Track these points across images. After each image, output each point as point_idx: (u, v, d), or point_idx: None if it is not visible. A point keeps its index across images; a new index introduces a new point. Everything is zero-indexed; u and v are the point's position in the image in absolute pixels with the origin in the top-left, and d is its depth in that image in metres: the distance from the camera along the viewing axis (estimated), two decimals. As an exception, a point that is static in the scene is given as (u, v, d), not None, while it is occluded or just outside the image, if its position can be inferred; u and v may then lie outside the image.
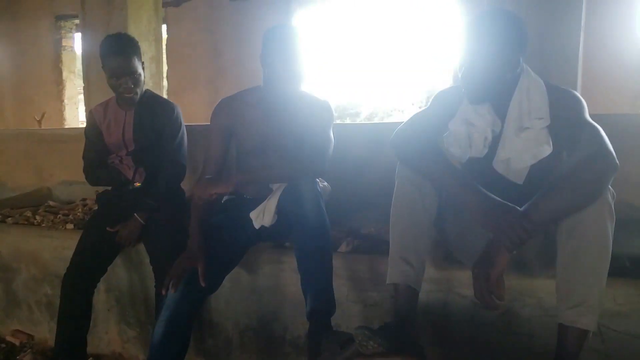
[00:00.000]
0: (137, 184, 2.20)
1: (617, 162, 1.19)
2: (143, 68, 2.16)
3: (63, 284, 2.03)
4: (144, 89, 2.21)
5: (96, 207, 2.39)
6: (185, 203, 2.30)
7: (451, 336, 1.72)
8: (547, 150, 1.38)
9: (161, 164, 2.19)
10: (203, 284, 1.66)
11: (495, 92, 1.40)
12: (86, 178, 2.26)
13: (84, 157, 2.26)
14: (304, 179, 1.62)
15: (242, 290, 2.04)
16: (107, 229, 2.10)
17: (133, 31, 3.00)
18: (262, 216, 1.75)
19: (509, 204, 1.22)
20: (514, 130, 1.41)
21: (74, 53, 5.46)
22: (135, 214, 2.10)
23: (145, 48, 3.09)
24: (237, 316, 2.08)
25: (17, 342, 2.53)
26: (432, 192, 1.38)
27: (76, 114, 5.43)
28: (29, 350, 2.45)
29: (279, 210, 1.70)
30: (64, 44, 5.25)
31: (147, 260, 2.21)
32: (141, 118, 2.20)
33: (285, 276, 1.97)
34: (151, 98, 2.25)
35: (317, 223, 1.57)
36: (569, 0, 1.91)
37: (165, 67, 3.51)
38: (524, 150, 1.40)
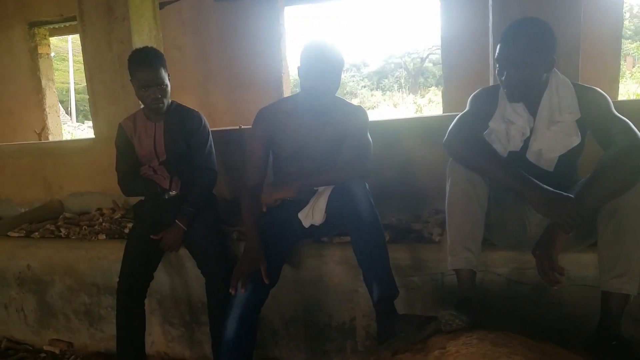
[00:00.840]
0: (173, 193, 2.30)
1: None
2: (169, 79, 2.25)
3: (118, 293, 2.13)
4: (170, 100, 2.30)
5: (131, 217, 2.48)
6: (217, 206, 2.42)
7: (488, 311, 1.92)
8: (575, 140, 1.59)
9: (194, 172, 2.30)
10: (267, 281, 1.80)
11: (532, 91, 1.60)
12: (122, 189, 2.34)
13: (118, 170, 2.34)
14: (354, 180, 1.78)
15: (287, 284, 2.19)
16: (151, 237, 2.19)
17: (137, 41, 3.04)
18: (312, 216, 1.91)
19: (563, 192, 1.42)
20: (545, 124, 1.61)
21: (50, 60, 5.36)
22: (176, 221, 2.21)
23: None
24: (282, 309, 2.23)
25: (56, 351, 2.60)
26: (483, 186, 1.57)
27: (58, 123, 5.35)
28: (72, 357, 2.53)
29: (328, 209, 1.85)
30: (40, 51, 5.15)
31: (188, 263, 2.34)
32: (171, 128, 2.29)
33: (326, 268, 2.13)
34: (178, 108, 2.35)
35: (371, 219, 1.74)
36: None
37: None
38: (555, 141, 1.61)
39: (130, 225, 2.66)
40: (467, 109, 1.72)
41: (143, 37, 3.07)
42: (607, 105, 1.55)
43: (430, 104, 17.92)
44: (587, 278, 1.80)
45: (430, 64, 27.52)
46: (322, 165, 2.00)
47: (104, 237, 2.60)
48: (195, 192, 2.27)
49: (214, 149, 2.36)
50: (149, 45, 2.28)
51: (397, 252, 2.04)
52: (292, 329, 2.25)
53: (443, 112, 3.92)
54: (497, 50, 1.61)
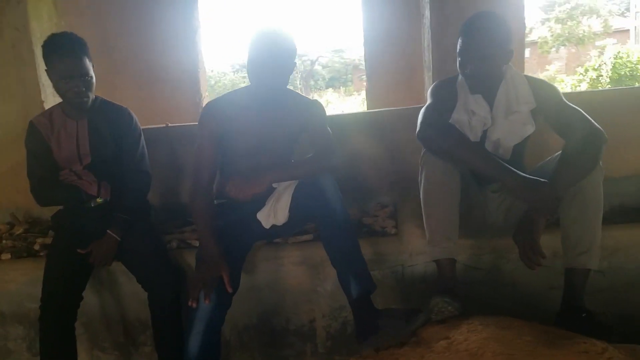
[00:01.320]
0: (100, 200, 2.03)
1: (606, 135, 1.52)
2: (93, 70, 1.98)
3: (42, 320, 1.82)
4: (94, 94, 2.03)
5: (44, 230, 2.14)
6: (151, 213, 2.19)
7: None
8: (530, 129, 1.69)
9: (125, 175, 2.05)
10: (230, 290, 1.66)
11: (492, 82, 1.65)
12: (37, 198, 2.01)
13: (30, 176, 2.01)
14: (323, 174, 1.70)
15: (240, 292, 2.03)
16: (79, 250, 1.91)
17: (35, 28, 2.64)
18: (274, 215, 1.79)
19: (539, 179, 1.49)
20: (503, 114, 1.68)
21: None
22: (108, 231, 1.95)
23: (49, 47, 2.74)
24: (235, 319, 2.08)
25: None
26: (456, 176, 1.59)
27: None
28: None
29: (292, 207, 1.75)
30: None
31: (122, 278, 2.10)
32: (97, 127, 2.02)
33: (284, 270, 2.04)
34: (104, 104, 2.08)
35: (344, 214, 1.67)
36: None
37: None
38: (511, 131, 1.69)
39: (42, 240, 2.31)
40: (430, 100, 1.73)
41: (42, 24, 2.68)
42: (559, 95, 1.66)
43: (329, 105, 18.33)
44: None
45: (320, 67, 28.16)
46: (278, 160, 1.89)
47: (9, 256, 2.22)
48: (129, 198, 2.02)
49: (146, 150, 2.13)
50: (70, 32, 1.97)
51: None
52: (246, 338, 2.11)
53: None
54: (460, 44, 1.64)
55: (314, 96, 22.58)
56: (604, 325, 1.46)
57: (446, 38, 2.38)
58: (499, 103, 1.69)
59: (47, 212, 2.75)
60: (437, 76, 2.43)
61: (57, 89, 1.93)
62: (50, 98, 2.74)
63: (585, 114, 1.58)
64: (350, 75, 27.31)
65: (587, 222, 1.53)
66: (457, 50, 1.67)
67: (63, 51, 1.87)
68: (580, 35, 18.99)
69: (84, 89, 1.92)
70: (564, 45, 19.85)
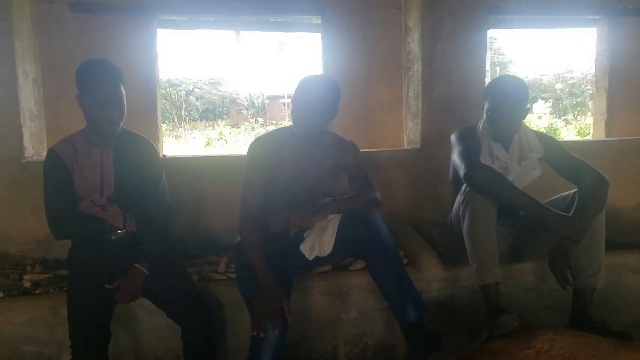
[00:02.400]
0: (120, 233, 1.96)
1: (608, 181, 1.90)
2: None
3: None
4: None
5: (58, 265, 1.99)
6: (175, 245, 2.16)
7: (457, 318, 2.20)
8: (537, 173, 2.03)
9: (148, 207, 2.01)
10: (289, 319, 1.72)
11: (511, 133, 1.97)
12: (55, 230, 1.88)
13: (49, 207, 1.88)
14: (370, 209, 1.86)
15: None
16: (107, 286, 1.82)
17: (17, 48, 2.46)
18: (318, 248, 1.90)
19: (569, 215, 1.81)
20: (517, 160, 2.00)
21: None
22: (136, 265, 1.88)
23: (27, 68, 2.57)
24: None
25: None
26: (495, 213, 1.85)
27: None
28: None
29: (337, 238, 1.88)
30: None
31: (141, 314, 2.02)
32: (122, 157, 1.97)
33: (312, 300, 2.12)
34: (127, 133, 2.03)
35: (392, 245, 1.84)
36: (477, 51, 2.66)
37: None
38: (524, 174, 2.02)
39: (29, 276, 2.13)
40: (462, 145, 1.98)
41: (23, 44, 2.52)
42: (561, 146, 2.04)
43: (221, 138, 18.11)
44: (528, 282, 2.25)
45: (194, 98, 27.87)
46: (313, 196, 2.02)
47: (1, 294, 2.01)
48: (155, 230, 1.98)
49: (166, 182, 2.11)
50: (104, 59, 1.91)
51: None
52: (268, 370, 2.12)
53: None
54: (491, 101, 1.95)
55: (187, 127, 22.11)
56: (615, 331, 1.78)
57: (433, 90, 2.71)
58: (513, 150, 2.01)
59: (11, 246, 2.53)
60: (426, 122, 2.74)
61: (89, 116, 1.87)
62: (28, 123, 2.55)
63: (589, 164, 1.95)
64: (226, 108, 27.35)
65: (595, 250, 1.87)
66: (487, 107, 1.97)
67: (100, 78, 1.83)
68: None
69: (116, 118, 1.88)
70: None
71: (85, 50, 3.70)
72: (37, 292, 2.05)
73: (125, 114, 1.93)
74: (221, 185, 2.67)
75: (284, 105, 23.84)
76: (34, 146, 2.60)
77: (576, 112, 16.92)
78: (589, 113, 17.83)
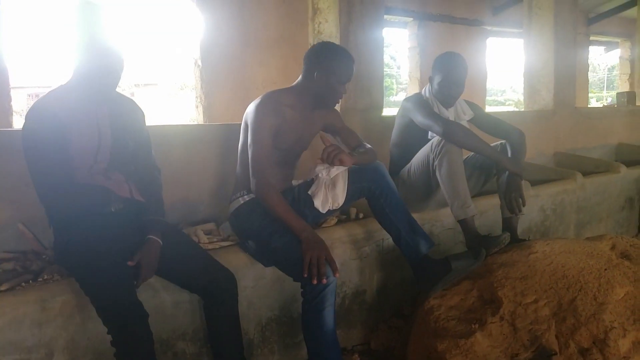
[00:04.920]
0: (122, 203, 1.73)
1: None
2: None
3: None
4: None
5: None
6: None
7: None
8: None
9: (144, 173, 1.83)
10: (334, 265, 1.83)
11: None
12: (51, 205, 1.57)
13: (43, 180, 1.55)
14: (378, 161, 2.09)
15: (265, 285, 2.09)
16: (129, 263, 1.60)
17: None
18: (332, 201, 2.03)
19: (509, 157, 2.34)
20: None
21: None
22: (150, 237, 1.70)
23: None
24: (260, 313, 2.10)
25: None
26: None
27: None
28: None
29: (349, 190, 2.05)
30: None
31: (146, 294, 1.80)
32: (118, 117, 1.74)
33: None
34: (118, 94, 1.78)
35: (398, 193, 2.10)
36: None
37: None
38: None
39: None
40: (425, 109, 2.35)
41: None
42: (483, 110, 2.61)
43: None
44: (450, 223, 2.78)
45: None
46: (299, 157, 2.16)
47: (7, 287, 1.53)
48: (157, 198, 1.82)
49: None
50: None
51: (353, 229, 2.39)
52: (268, 332, 2.14)
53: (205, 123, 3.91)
54: (443, 74, 2.39)
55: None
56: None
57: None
58: (451, 113, 2.50)
59: None
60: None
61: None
62: None
63: (504, 120, 2.57)
64: None
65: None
66: (439, 79, 2.41)
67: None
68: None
69: (118, 68, 1.67)
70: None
71: None
72: (3, 288, 1.62)
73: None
74: (174, 156, 2.45)
75: (29, 96, 20.12)
76: None
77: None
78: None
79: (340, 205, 2.06)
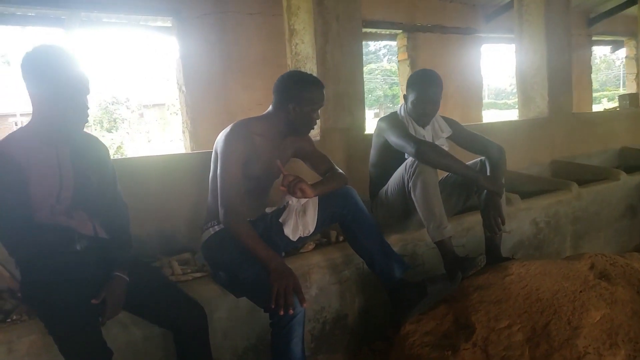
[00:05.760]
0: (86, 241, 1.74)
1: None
2: None
3: None
4: None
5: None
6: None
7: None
8: (446, 148, 2.51)
9: (109, 209, 1.83)
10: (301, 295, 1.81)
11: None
12: (11, 245, 1.59)
13: (1, 221, 1.55)
14: (348, 186, 2.07)
15: (240, 315, 2.08)
16: (93, 301, 1.60)
17: None
18: (302, 228, 2.01)
19: (487, 175, 2.30)
20: (432, 139, 2.46)
21: None
22: (116, 273, 1.70)
23: None
24: (235, 344, 2.09)
25: None
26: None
27: None
28: None
29: (319, 218, 2.04)
30: None
31: (114, 330, 1.81)
32: (80, 156, 1.74)
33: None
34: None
35: (370, 215, 2.08)
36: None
37: None
38: None
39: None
40: (398, 129, 2.33)
41: None
42: (462, 126, 2.57)
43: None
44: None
45: None
46: (272, 184, 2.14)
47: None
48: (122, 234, 1.82)
49: None
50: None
51: (331, 253, 2.37)
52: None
53: (191, 150, 3.96)
54: (417, 92, 2.36)
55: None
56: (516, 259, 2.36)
57: (326, 88, 3.02)
58: (428, 132, 2.47)
59: None
60: (322, 117, 3.03)
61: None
62: None
63: (485, 137, 2.52)
64: None
65: (503, 203, 2.42)
66: (413, 97, 2.38)
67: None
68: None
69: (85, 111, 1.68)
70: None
71: None
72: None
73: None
74: (150, 187, 2.47)
75: (15, 124, 20.08)
76: None
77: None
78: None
79: (310, 232, 2.04)
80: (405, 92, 2.51)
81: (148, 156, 3.11)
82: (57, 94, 1.59)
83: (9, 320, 1.73)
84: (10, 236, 1.57)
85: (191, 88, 3.69)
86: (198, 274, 2.12)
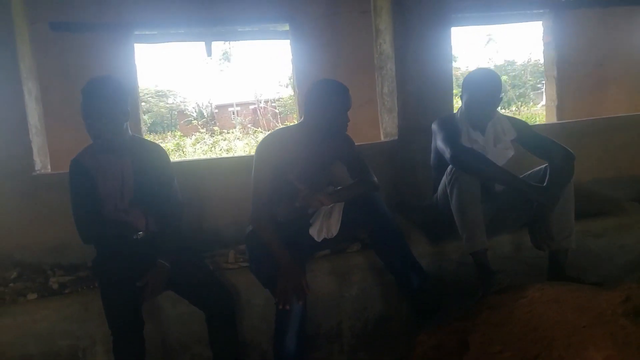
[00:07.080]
0: (141, 233, 2.17)
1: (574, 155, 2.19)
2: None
3: (116, 352, 1.91)
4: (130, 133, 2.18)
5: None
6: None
7: (445, 288, 2.48)
8: (511, 153, 2.31)
9: (164, 207, 2.21)
10: (309, 293, 1.96)
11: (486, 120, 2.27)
12: (83, 234, 2.09)
13: (76, 214, 2.08)
14: (374, 192, 2.13)
15: (273, 302, 2.31)
16: (137, 284, 2.02)
17: (22, 68, 2.61)
18: (326, 230, 2.15)
19: (542, 185, 2.09)
20: (492, 143, 2.29)
21: None
22: (159, 260, 2.09)
23: (31, 86, 2.72)
24: (270, 326, 2.32)
25: None
26: (479, 189, 2.11)
27: None
28: None
29: (344, 220, 2.14)
30: None
31: (166, 304, 2.23)
32: (140, 164, 2.17)
33: (317, 281, 2.34)
34: (139, 142, 2.24)
35: (394, 222, 2.11)
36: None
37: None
38: (499, 155, 2.29)
39: (56, 279, 2.31)
40: (444, 132, 2.24)
41: (26, 63, 2.66)
42: (531, 127, 2.35)
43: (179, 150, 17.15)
44: (505, 252, 2.56)
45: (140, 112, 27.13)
46: (316, 187, 2.27)
47: (35, 296, 2.18)
48: (172, 228, 2.20)
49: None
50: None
51: (374, 257, 2.42)
52: (282, 346, 2.36)
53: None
54: (470, 93, 2.24)
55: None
56: (589, 283, 2.08)
57: (407, 86, 3.01)
58: (489, 135, 2.30)
59: (27, 254, 2.67)
60: (401, 116, 3.03)
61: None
62: (35, 138, 2.70)
63: (555, 140, 2.26)
64: (174, 120, 26.58)
65: (567, 215, 2.15)
66: (466, 99, 2.26)
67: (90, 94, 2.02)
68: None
69: (97, 129, 2.03)
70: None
71: (68, 68, 3.86)
72: (67, 292, 2.23)
73: (117, 126, 2.06)
74: (220, 185, 2.88)
75: (233, 113, 23.42)
76: (41, 160, 2.75)
77: (520, 103, 17.36)
78: (531, 103, 18.43)
79: (334, 235, 2.16)
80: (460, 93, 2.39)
81: (231, 157, 3.53)
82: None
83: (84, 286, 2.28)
84: (84, 226, 2.08)
85: (303, 89, 4.00)
86: (245, 264, 2.41)
